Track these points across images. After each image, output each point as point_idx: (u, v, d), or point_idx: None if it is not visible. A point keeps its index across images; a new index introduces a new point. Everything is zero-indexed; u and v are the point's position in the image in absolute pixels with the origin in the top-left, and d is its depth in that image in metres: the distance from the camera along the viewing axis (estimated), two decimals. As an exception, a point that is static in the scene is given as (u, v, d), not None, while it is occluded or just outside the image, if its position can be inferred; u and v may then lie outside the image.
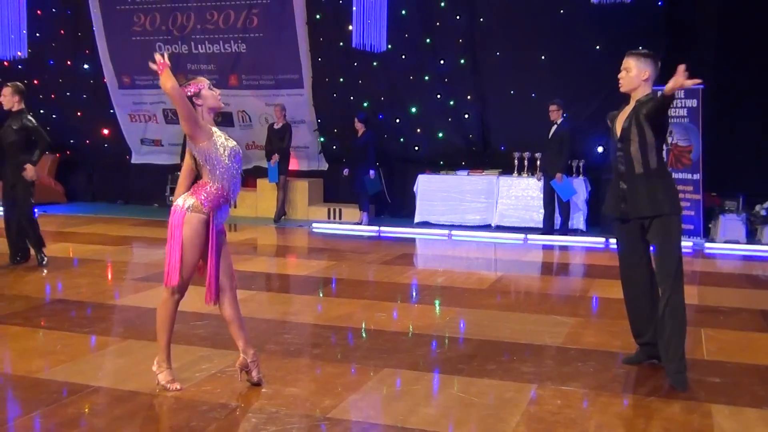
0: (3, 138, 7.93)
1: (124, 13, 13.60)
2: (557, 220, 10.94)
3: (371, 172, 11.63)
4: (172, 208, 4.42)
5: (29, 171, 7.80)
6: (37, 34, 13.56)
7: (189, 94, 4.38)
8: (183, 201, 4.37)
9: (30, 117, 7.96)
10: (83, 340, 5.53)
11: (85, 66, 14.20)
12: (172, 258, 4.35)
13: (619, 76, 4.75)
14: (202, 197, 4.36)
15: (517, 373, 4.83)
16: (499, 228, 11.31)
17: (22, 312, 6.38)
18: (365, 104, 12.56)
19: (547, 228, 10.89)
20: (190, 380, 4.61)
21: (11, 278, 7.63)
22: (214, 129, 4.43)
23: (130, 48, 13.58)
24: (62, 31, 14.30)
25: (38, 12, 13.62)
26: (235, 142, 4.50)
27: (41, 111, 13.74)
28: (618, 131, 4.76)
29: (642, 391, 4.58)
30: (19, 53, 12.63)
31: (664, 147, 4.89)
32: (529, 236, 10.70)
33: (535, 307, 6.79)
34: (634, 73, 4.67)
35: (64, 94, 14.38)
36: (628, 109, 4.75)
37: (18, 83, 8.07)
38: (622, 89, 4.77)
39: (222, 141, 4.40)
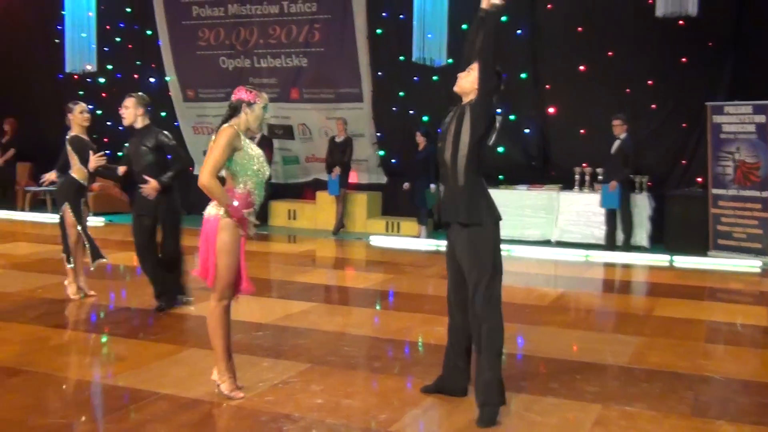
0: (134, 160, 6.63)
1: (189, 28, 13.90)
2: (619, 236, 10.74)
3: (431, 186, 11.60)
4: (205, 217, 4.49)
5: (150, 186, 6.42)
6: (106, 48, 13.92)
7: (244, 99, 4.50)
8: (215, 209, 4.44)
9: (166, 133, 6.72)
10: (148, 347, 5.63)
11: (151, 79, 14.54)
12: (209, 262, 4.45)
13: (459, 74, 4.42)
14: (233, 201, 4.42)
15: (581, 392, 4.74)
16: (560, 244, 11.15)
17: (89, 318, 6.54)
18: (425, 118, 12.56)
19: (609, 244, 10.70)
20: (251, 390, 4.65)
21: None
22: (245, 140, 4.49)
23: (195, 62, 13.88)
24: (130, 45, 14.68)
25: (107, 27, 14.00)
26: (260, 150, 4.58)
27: (108, 123, 14.12)
28: None
29: (711, 413, 4.44)
30: (88, 66, 12.98)
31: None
32: (591, 253, 10.52)
33: (598, 325, 6.67)
34: (474, 77, 4.37)
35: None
36: None
37: (143, 94, 6.87)
38: (456, 89, 4.46)
39: (250, 151, 4.47)
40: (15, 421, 4.12)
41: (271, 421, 4.19)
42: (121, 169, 6.81)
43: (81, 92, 13.65)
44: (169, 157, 6.61)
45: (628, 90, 11.20)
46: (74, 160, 7.01)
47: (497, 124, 4.44)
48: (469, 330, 4.45)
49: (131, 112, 6.60)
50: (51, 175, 7.33)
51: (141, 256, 6.71)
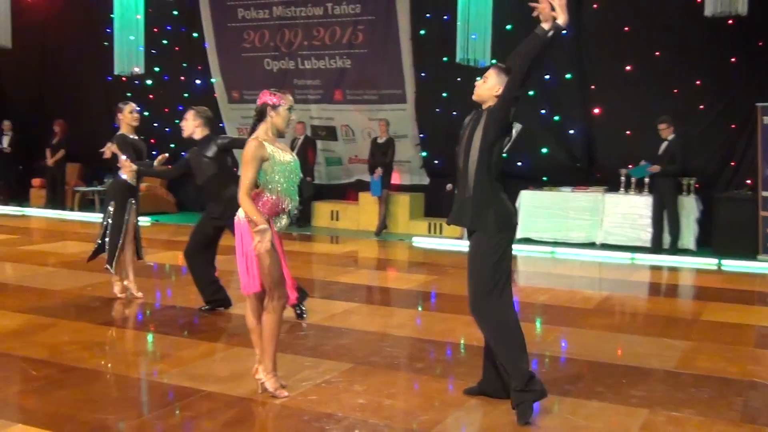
0: (197, 173, 6.56)
1: (234, 30, 14.06)
2: (666, 239, 10.57)
3: (474, 187, 11.55)
4: (235, 221, 4.52)
5: None
6: (153, 51, 14.14)
7: (269, 102, 4.52)
8: (243, 212, 4.47)
9: (222, 135, 6.77)
10: (193, 345, 5.70)
11: (197, 81, 14.73)
12: (250, 266, 4.45)
13: (476, 83, 4.48)
14: (259, 205, 4.45)
15: (627, 397, 4.67)
16: (605, 246, 11.02)
17: (137, 316, 6.65)
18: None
19: (656, 247, 10.54)
20: (295, 389, 4.68)
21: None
22: (272, 147, 4.50)
23: (240, 64, 14.04)
24: (176, 48, 14.90)
25: (155, 30, 14.22)
26: (291, 157, 4.58)
27: (155, 124, 14.35)
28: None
29: (761, 420, 4.35)
30: (136, 69, 13.20)
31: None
32: (636, 255, 10.38)
33: (645, 328, 6.57)
34: (490, 84, 4.37)
35: (177, 108, 14.94)
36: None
37: (204, 108, 6.80)
38: (474, 97, 4.49)
39: (278, 156, 4.49)
40: (67, 416, 4.21)
41: (314, 420, 4.21)
42: (159, 159, 6.85)
43: (129, 94, 13.88)
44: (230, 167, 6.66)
45: (675, 90, 11.03)
46: (121, 159, 7.05)
47: (514, 133, 4.42)
48: None
49: (190, 124, 6.58)
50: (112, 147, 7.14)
51: (191, 257, 6.73)
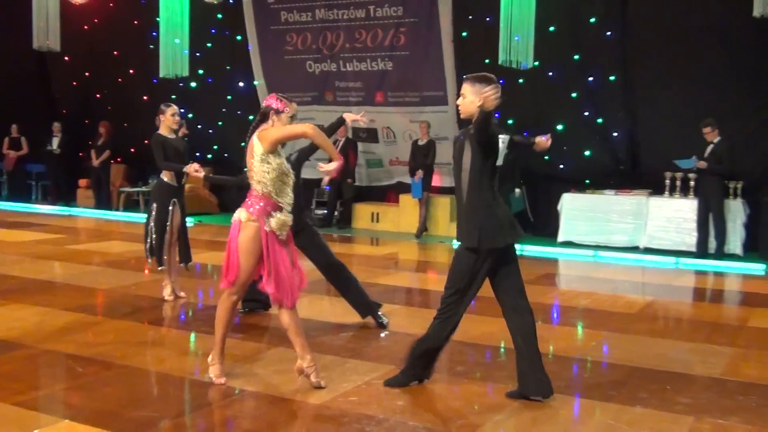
0: None
1: (277, 33, 14.18)
2: (712, 243, 10.39)
3: (516, 190, 11.51)
4: (234, 218, 4.72)
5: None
6: (198, 54, 14.32)
7: (273, 107, 4.67)
8: (238, 214, 4.68)
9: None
10: (234, 345, 5.74)
11: (240, 84, 14.88)
12: (230, 261, 4.68)
13: (457, 102, 4.69)
14: (249, 206, 4.65)
15: (672, 403, 4.59)
16: (648, 250, 10.86)
17: (177, 316, 6.74)
18: (510, 122, 12.44)
19: (701, 251, 10.35)
20: (336, 390, 4.70)
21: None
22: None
23: (283, 66, 14.15)
24: (220, 51, 15.06)
25: (199, 33, 14.39)
26: (282, 159, 4.73)
27: (199, 126, 14.54)
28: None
29: (811, 430, 4.24)
30: (181, 71, 13.35)
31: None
32: (681, 260, 10.21)
33: (689, 334, 6.46)
34: (469, 99, 4.53)
35: (220, 110, 15.13)
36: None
37: None
38: (462, 116, 4.68)
39: (274, 158, 4.64)
40: (111, 413, 4.29)
41: (354, 421, 4.22)
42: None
43: (173, 96, 14.07)
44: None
45: (722, 92, 10.81)
46: (190, 166, 6.99)
47: (502, 145, 4.59)
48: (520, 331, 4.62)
49: None
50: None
51: None
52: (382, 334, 6.16)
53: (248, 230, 4.63)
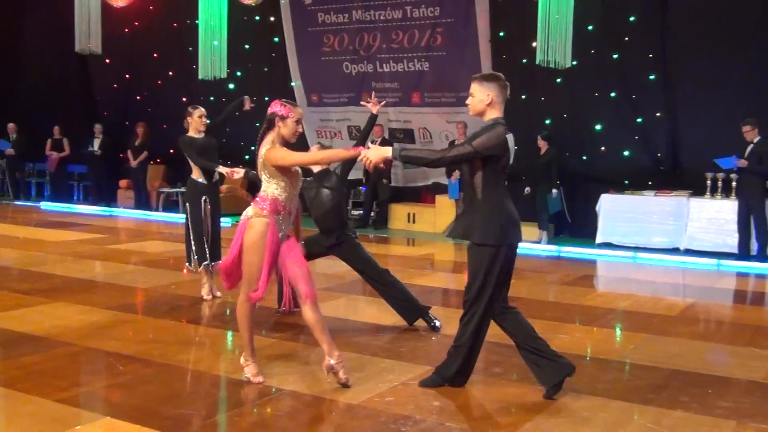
0: (313, 206, 6.36)
1: (314, 34, 14.25)
2: (753, 245, 10.19)
3: (553, 191, 11.41)
4: (242, 217, 4.79)
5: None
6: (235, 56, 14.42)
7: (278, 113, 4.70)
8: (246, 212, 4.77)
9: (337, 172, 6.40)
10: (271, 345, 5.79)
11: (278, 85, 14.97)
12: (233, 263, 4.78)
13: (466, 102, 4.77)
14: (260, 204, 4.72)
15: (713, 408, 4.52)
16: (689, 252, 10.70)
17: (220, 315, 6.80)
18: (547, 122, 12.35)
19: (743, 253, 10.17)
20: (373, 390, 4.70)
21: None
22: None
23: (320, 67, 14.22)
24: (258, 52, 15.17)
25: (237, 35, 14.51)
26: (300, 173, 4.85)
27: (236, 127, 14.63)
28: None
29: None
30: (219, 73, 13.48)
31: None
32: (722, 261, 10.04)
33: (731, 338, 6.35)
34: (477, 98, 4.62)
35: (257, 111, 15.20)
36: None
37: (328, 144, 6.34)
38: (471, 114, 4.80)
39: (284, 178, 4.71)
40: (150, 410, 4.34)
41: (390, 421, 4.22)
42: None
43: (212, 98, 14.22)
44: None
45: (764, 92, 10.61)
46: (226, 170, 7.08)
47: (511, 145, 4.69)
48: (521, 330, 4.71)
49: None
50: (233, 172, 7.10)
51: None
52: (433, 337, 6.15)
53: (256, 226, 4.68)
